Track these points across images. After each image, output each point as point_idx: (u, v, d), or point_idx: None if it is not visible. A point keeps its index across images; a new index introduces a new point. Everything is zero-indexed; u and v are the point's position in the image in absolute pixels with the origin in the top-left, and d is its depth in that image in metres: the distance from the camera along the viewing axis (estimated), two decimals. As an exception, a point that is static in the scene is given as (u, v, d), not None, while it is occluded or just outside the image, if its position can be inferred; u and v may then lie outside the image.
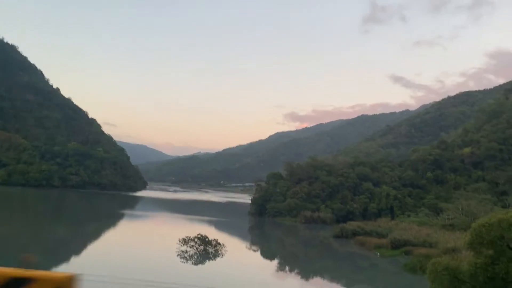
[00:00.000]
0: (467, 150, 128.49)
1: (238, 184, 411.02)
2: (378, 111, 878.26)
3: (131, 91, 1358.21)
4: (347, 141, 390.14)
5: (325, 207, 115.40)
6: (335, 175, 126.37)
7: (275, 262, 61.30)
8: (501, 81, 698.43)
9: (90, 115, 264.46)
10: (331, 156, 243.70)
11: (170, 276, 36.78)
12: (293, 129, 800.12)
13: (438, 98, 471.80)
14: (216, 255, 52.50)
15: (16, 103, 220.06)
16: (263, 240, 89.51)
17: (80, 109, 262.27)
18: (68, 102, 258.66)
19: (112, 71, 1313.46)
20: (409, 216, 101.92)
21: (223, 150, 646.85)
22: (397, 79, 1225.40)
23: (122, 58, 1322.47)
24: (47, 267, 37.05)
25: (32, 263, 9.65)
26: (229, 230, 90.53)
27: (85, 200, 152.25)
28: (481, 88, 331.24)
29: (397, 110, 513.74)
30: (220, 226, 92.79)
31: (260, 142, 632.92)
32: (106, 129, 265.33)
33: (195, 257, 50.71)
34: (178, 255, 50.20)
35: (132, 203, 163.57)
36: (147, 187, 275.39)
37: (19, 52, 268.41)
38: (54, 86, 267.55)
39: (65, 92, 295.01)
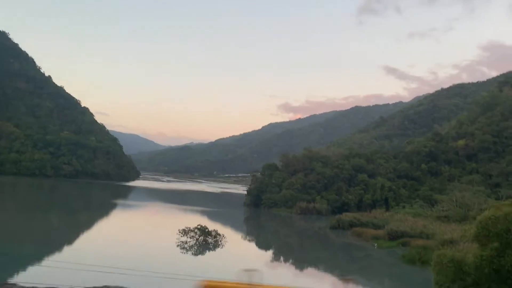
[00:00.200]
0: (461, 142, 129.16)
1: (231, 175, 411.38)
2: (371, 102, 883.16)
3: (123, 80, 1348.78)
4: (341, 132, 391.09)
5: (321, 198, 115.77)
6: (331, 166, 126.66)
7: (271, 252, 61.34)
8: (494, 73, 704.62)
9: (82, 104, 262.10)
10: (325, 147, 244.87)
11: (170, 267, 36.55)
12: (286, 120, 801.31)
13: (431, 90, 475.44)
14: (216, 245, 52.45)
15: (7, 91, 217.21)
16: (259, 230, 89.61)
17: (73, 98, 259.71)
18: (60, 91, 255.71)
19: (103, 59, 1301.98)
20: (404, 207, 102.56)
21: (216, 141, 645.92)
22: (391, 71, 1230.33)
23: (114, 46, 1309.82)
24: (41, 257, 36.77)
25: None
26: (225, 221, 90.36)
27: (79, 190, 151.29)
28: (474, 81, 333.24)
29: (391, 102, 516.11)
30: (215, 216, 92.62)
31: (254, 132, 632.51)
32: (97, 118, 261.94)
33: (195, 247, 50.55)
34: (178, 245, 50.03)
35: (126, 193, 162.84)
36: (140, 177, 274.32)
37: (10, 39, 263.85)
38: (46, 74, 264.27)
39: (57, 80, 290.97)
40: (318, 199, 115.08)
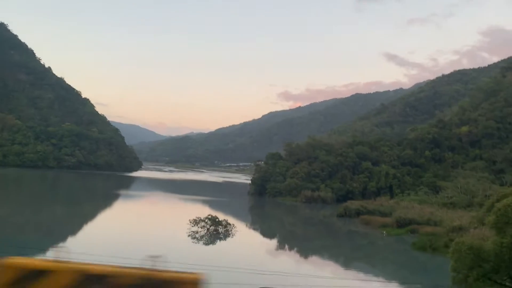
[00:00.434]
0: (464, 128, 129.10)
1: (232, 164, 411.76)
2: (372, 89, 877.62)
3: (122, 70, 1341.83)
4: (341, 120, 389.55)
5: (325, 186, 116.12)
6: (334, 154, 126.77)
7: (278, 240, 61.95)
8: (495, 59, 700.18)
9: (82, 95, 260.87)
10: (326, 135, 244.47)
11: (182, 257, 36.76)
12: (286, 108, 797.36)
13: (432, 77, 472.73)
14: (226, 235, 52.79)
15: (8, 82, 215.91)
16: (266, 219, 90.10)
17: (73, 89, 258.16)
18: (60, 82, 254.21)
19: (102, 49, 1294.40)
20: (408, 194, 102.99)
21: (216, 130, 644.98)
22: (391, 57, 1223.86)
23: (113, 36, 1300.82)
24: (45, 248, 36.75)
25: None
26: (230, 210, 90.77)
27: (82, 181, 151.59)
28: (475, 66, 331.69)
29: (391, 89, 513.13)
30: (220, 206, 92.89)
31: (254, 121, 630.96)
32: (97, 109, 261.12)
33: (206, 237, 50.88)
34: (189, 235, 50.32)
35: (130, 183, 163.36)
36: (142, 167, 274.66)
37: (9, 30, 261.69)
38: (46, 66, 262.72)
39: (56, 71, 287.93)
40: (323, 188, 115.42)
